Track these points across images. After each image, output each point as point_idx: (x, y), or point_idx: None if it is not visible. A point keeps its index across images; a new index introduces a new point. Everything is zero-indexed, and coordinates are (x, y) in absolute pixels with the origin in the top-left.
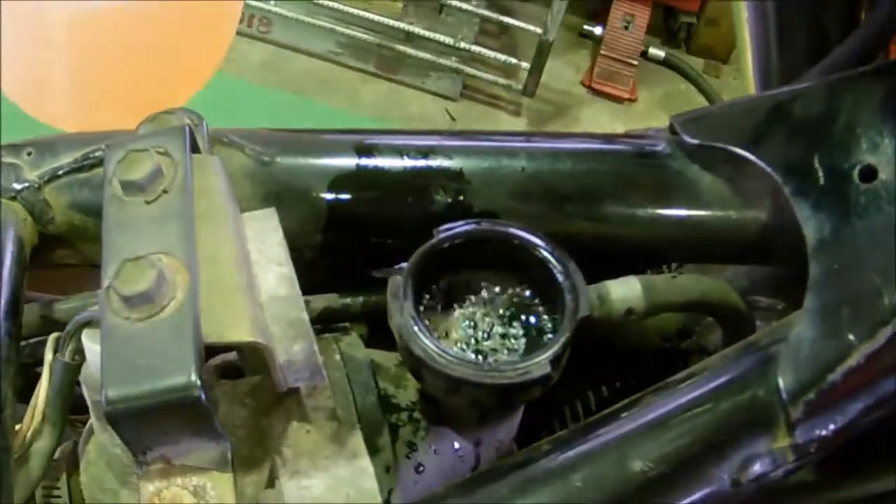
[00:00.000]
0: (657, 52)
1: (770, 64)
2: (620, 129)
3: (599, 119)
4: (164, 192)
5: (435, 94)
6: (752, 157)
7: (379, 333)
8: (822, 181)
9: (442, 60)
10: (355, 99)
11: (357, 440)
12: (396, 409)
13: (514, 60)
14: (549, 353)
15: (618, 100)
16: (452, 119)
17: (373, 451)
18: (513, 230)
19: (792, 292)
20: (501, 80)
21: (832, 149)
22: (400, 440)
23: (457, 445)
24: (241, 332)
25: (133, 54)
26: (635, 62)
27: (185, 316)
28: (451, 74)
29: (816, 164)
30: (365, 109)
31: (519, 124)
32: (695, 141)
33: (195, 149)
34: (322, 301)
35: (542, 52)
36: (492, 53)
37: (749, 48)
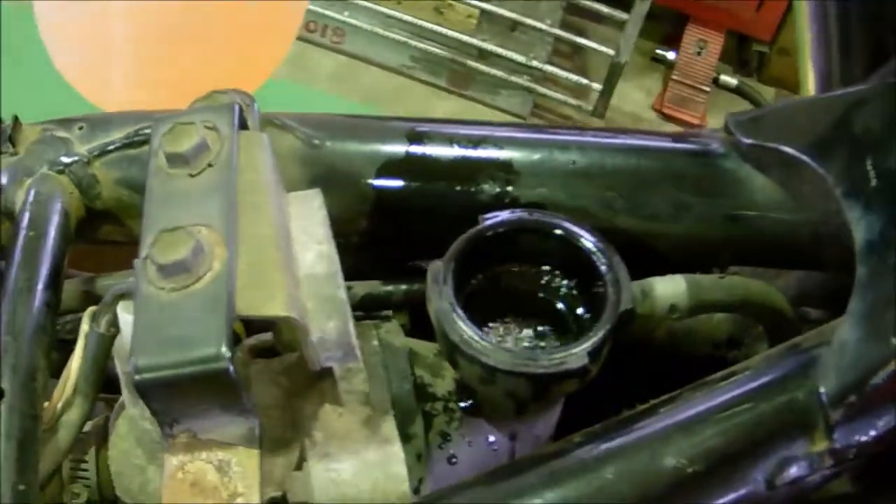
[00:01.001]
0: (729, 79)
1: (830, 69)
2: None
3: None
4: (209, 165)
5: (505, 111)
6: (805, 159)
7: (420, 324)
8: (873, 182)
9: (513, 78)
10: (426, 113)
11: (389, 426)
12: (432, 398)
13: (585, 81)
14: (588, 344)
15: (688, 125)
16: None
17: (405, 438)
18: (559, 221)
19: (843, 304)
20: (572, 101)
21: (885, 151)
22: (433, 430)
23: (491, 438)
24: (275, 307)
25: (193, 46)
26: (707, 88)
27: (219, 288)
28: (522, 92)
29: (869, 167)
30: None
31: None
32: (749, 141)
33: (244, 126)
34: (364, 287)
35: (613, 73)
36: (563, 73)
37: (809, 52)
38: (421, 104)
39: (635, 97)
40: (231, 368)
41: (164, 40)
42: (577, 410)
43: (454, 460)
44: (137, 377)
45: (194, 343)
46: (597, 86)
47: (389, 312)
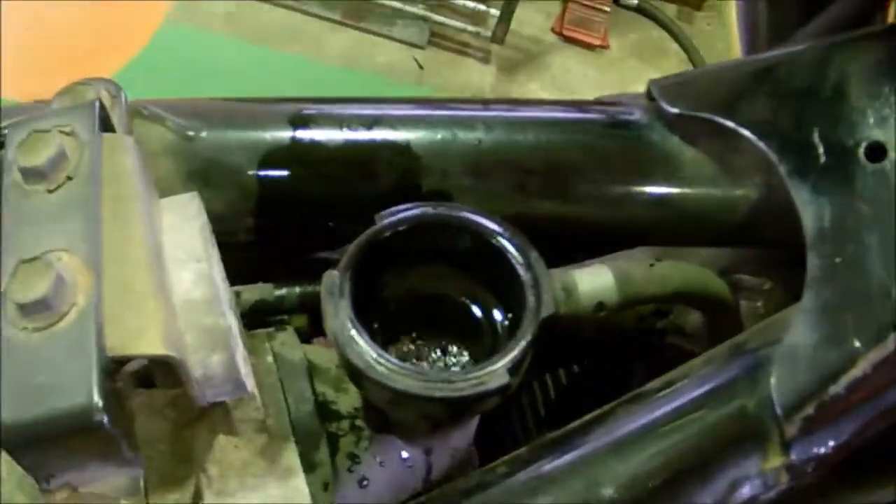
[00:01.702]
0: None
1: (758, 18)
2: (592, 77)
3: (570, 66)
4: (68, 178)
5: (402, 42)
6: (741, 130)
7: (321, 325)
8: (822, 159)
9: (409, 8)
10: (321, 49)
11: (291, 455)
12: (336, 417)
13: (482, 7)
14: (507, 359)
15: (589, 47)
16: (420, 67)
17: (309, 466)
18: (466, 214)
19: (779, 270)
20: (470, 28)
21: (834, 122)
22: (340, 452)
23: (405, 455)
24: (149, 344)
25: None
26: (607, 8)
27: (86, 326)
28: (418, 22)
29: (816, 140)
30: (332, 59)
31: (488, 72)
32: (675, 110)
33: (107, 126)
34: (255, 292)
35: None
36: (460, 0)
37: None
38: (315, 40)
39: (535, 20)
40: (106, 419)
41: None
42: None
43: (365, 483)
44: (4, 436)
45: (62, 393)
46: (494, 11)
47: (285, 317)
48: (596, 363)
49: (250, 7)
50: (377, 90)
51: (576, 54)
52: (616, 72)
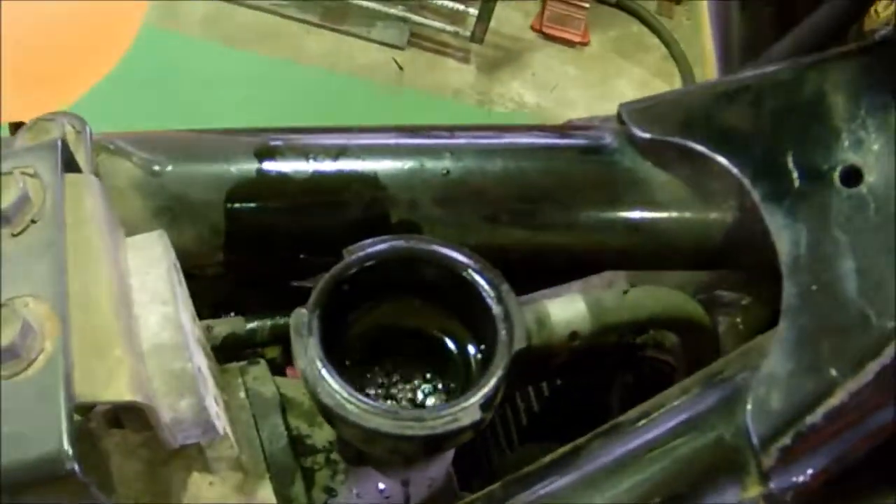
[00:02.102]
0: None
1: (731, 31)
2: (573, 73)
3: (551, 64)
4: (33, 222)
5: (382, 43)
6: (713, 155)
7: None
8: (797, 184)
9: (388, 9)
10: (301, 51)
11: (266, 491)
12: (311, 452)
13: (461, 7)
14: (479, 395)
15: (569, 44)
16: (400, 68)
17: (285, 502)
18: (435, 248)
19: (757, 286)
20: (449, 28)
21: (808, 146)
22: (316, 486)
23: (382, 487)
24: (117, 391)
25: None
26: (586, 4)
27: (54, 373)
28: (397, 23)
29: (790, 164)
30: (311, 61)
31: (468, 71)
32: (646, 135)
33: (71, 166)
34: (226, 326)
35: None
36: (438, 0)
37: (708, 11)
38: (294, 43)
39: (514, 19)
40: (76, 467)
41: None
42: None
43: None
44: None
45: (32, 441)
46: (473, 11)
47: (259, 349)
48: (576, 376)
49: (228, 10)
50: (357, 92)
51: (556, 52)
52: (597, 68)
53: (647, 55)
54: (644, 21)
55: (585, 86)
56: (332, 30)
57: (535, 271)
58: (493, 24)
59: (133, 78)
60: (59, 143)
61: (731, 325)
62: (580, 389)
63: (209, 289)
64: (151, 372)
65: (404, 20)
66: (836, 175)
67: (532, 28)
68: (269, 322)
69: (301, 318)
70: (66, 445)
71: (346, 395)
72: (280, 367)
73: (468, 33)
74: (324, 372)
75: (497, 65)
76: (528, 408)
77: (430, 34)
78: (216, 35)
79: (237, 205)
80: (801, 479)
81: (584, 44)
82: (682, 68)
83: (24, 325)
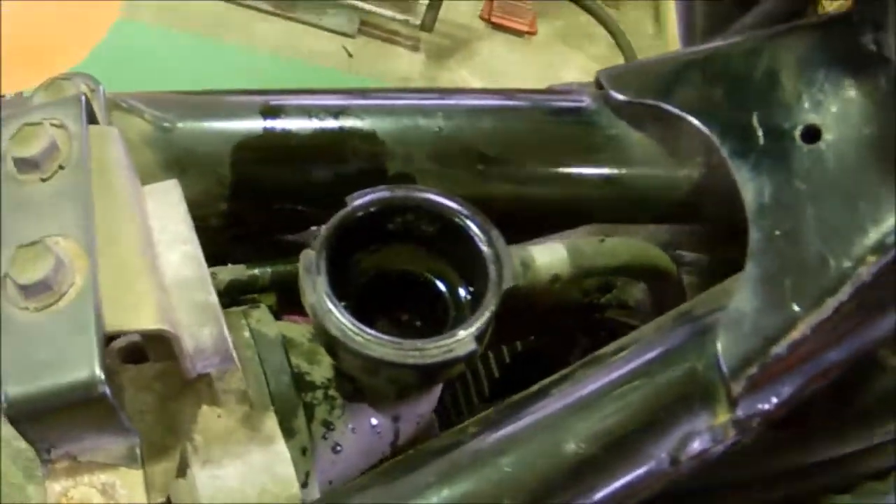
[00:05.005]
0: None
1: (694, 8)
2: (520, 62)
3: (499, 53)
4: (60, 167)
5: (332, 31)
6: (685, 115)
7: (289, 303)
8: (761, 142)
9: None
10: (252, 38)
11: (271, 423)
12: (311, 388)
13: None
14: (474, 328)
15: (517, 33)
16: (350, 55)
17: (288, 433)
18: (430, 196)
19: (716, 246)
20: (399, 16)
21: (772, 107)
22: (316, 420)
23: (374, 422)
24: (145, 320)
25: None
26: None
27: (85, 304)
28: (347, 11)
29: (755, 124)
30: (262, 48)
31: (417, 60)
32: (623, 97)
33: (92, 119)
34: (228, 273)
35: None
36: None
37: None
38: (246, 30)
39: (463, 8)
40: (107, 391)
41: None
42: None
43: (339, 448)
44: (8, 409)
45: (65, 367)
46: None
47: (256, 296)
48: (540, 336)
49: None
50: (307, 78)
51: (504, 41)
52: (544, 57)
53: (593, 45)
54: (591, 11)
55: (532, 74)
56: (283, 17)
57: (519, 221)
58: (442, 13)
59: (95, 66)
60: (83, 97)
61: (692, 282)
62: (543, 350)
63: (209, 242)
64: (175, 304)
65: (354, 8)
66: (798, 133)
67: (481, 17)
68: (269, 269)
69: (309, 258)
70: (98, 371)
71: (351, 326)
72: (276, 314)
73: (418, 22)
74: (331, 306)
75: (446, 53)
76: (500, 364)
77: (380, 22)
78: (170, 23)
79: (242, 158)
80: (766, 406)
81: (532, 33)
82: (627, 57)
83: (56, 260)
